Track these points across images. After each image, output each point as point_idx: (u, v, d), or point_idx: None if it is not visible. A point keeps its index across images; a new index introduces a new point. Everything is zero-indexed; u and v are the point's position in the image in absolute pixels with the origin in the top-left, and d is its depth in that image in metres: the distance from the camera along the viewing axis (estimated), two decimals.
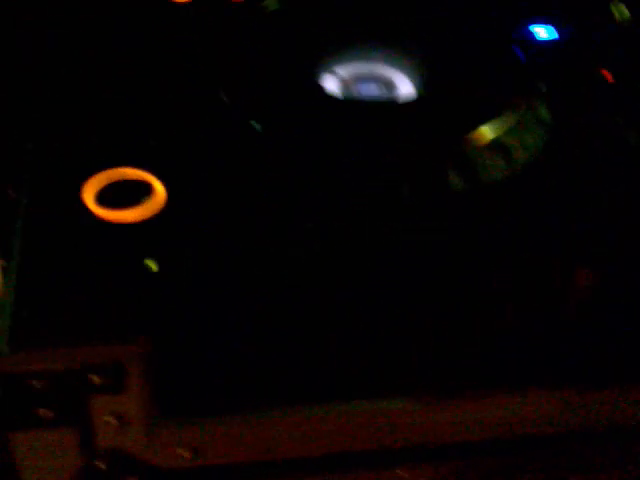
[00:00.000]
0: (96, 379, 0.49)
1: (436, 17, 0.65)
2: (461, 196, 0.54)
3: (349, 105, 0.60)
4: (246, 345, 0.51)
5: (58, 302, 0.49)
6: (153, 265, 0.51)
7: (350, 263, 0.52)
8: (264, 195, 0.55)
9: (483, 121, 0.56)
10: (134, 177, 0.56)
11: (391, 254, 0.52)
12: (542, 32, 0.67)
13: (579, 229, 0.53)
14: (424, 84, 0.61)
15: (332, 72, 0.63)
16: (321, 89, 0.61)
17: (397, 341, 0.51)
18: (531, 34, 0.67)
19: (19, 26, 0.70)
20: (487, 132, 0.56)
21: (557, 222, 0.54)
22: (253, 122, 0.58)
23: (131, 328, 0.49)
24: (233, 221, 0.54)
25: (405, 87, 0.63)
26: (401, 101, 0.60)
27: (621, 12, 0.68)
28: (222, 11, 0.71)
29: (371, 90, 0.63)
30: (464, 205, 0.54)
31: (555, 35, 0.67)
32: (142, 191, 0.55)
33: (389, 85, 0.63)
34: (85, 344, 0.48)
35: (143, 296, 0.50)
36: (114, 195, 0.55)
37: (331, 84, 0.62)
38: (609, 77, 0.63)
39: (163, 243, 0.52)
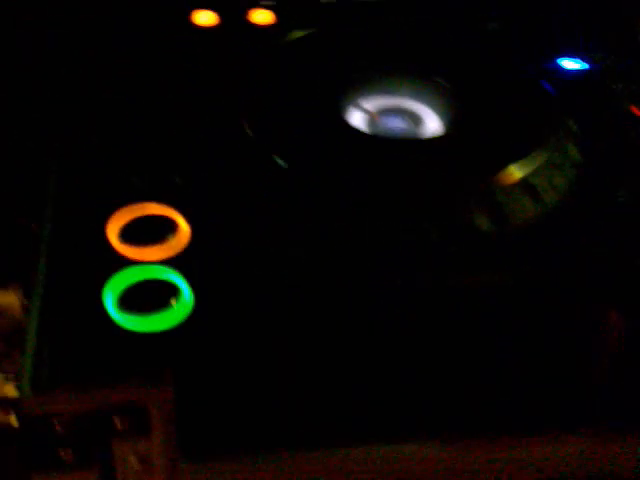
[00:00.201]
0: (119, 421, 0.48)
1: (464, 51, 0.64)
2: (489, 238, 0.53)
3: (374, 142, 0.59)
4: (270, 388, 0.50)
5: (81, 343, 0.49)
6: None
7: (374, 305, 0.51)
8: (287, 232, 0.55)
9: (511, 160, 0.55)
10: (158, 213, 0.56)
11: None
12: (571, 66, 0.66)
13: (610, 272, 0.53)
14: (451, 121, 0.60)
15: (358, 105, 0.62)
16: (346, 124, 0.60)
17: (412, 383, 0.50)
18: (560, 68, 0.66)
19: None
20: (515, 172, 0.55)
21: (587, 265, 0.53)
22: (276, 158, 0.57)
23: (155, 370, 0.48)
24: (259, 259, 0.53)
25: (432, 122, 0.62)
26: (428, 138, 0.59)
27: None
28: (247, 37, 0.71)
29: (397, 124, 0.62)
30: (492, 248, 0.53)
31: (584, 69, 0.66)
32: (166, 228, 0.55)
33: (416, 119, 0.62)
34: (108, 386, 0.48)
35: (166, 338, 0.49)
36: (138, 232, 0.54)
37: (357, 118, 0.62)
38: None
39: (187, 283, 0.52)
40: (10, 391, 0.57)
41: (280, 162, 0.57)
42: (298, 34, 0.67)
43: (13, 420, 0.55)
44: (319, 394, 0.50)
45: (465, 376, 0.50)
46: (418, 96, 0.63)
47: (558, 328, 0.51)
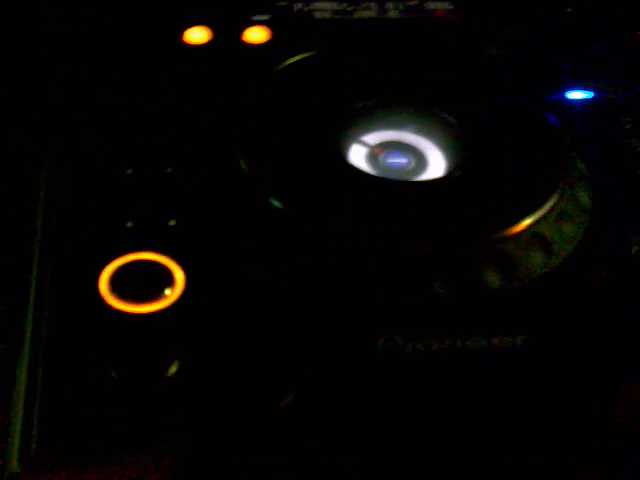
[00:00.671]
0: None
1: (468, 84, 0.62)
2: (498, 294, 0.51)
3: (374, 184, 0.56)
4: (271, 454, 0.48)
5: (72, 414, 0.46)
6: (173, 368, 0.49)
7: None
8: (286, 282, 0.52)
9: (520, 210, 0.53)
10: (152, 261, 0.53)
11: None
12: (577, 97, 0.64)
13: (628, 332, 0.50)
14: (455, 160, 0.58)
15: (359, 139, 0.60)
16: (347, 163, 0.57)
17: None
18: (566, 100, 0.64)
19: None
20: (524, 222, 0.53)
21: (604, 324, 0.51)
22: (272, 199, 0.54)
23: (151, 440, 0.46)
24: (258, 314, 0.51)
25: (435, 158, 0.59)
26: (431, 182, 0.57)
27: None
28: (240, 57, 0.68)
29: (400, 161, 0.59)
30: (503, 304, 0.51)
31: (590, 99, 0.64)
32: (162, 277, 0.52)
33: (419, 155, 0.60)
34: (101, 459, 0.45)
35: (162, 405, 0.47)
36: (131, 284, 0.52)
37: (357, 153, 0.59)
38: None
39: (180, 340, 0.50)
40: None
41: (275, 203, 0.54)
42: (295, 59, 0.64)
43: None
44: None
45: (466, 443, 0.49)
46: (422, 131, 0.60)
47: (573, 396, 0.49)
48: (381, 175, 0.58)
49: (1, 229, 0.58)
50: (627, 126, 0.61)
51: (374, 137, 0.61)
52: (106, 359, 0.48)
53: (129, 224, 0.55)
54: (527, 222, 0.52)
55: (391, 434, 0.49)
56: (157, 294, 0.52)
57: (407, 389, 0.49)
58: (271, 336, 0.50)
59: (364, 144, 0.60)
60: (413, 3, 0.72)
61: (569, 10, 0.70)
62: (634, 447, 0.49)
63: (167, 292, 0.52)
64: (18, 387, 0.47)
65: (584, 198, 0.56)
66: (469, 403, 0.49)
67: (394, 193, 0.55)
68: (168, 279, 0.52)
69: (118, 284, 0.51)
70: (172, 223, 0.55)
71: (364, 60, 0.63)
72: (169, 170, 0.59)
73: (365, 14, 0.72)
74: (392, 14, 0.72)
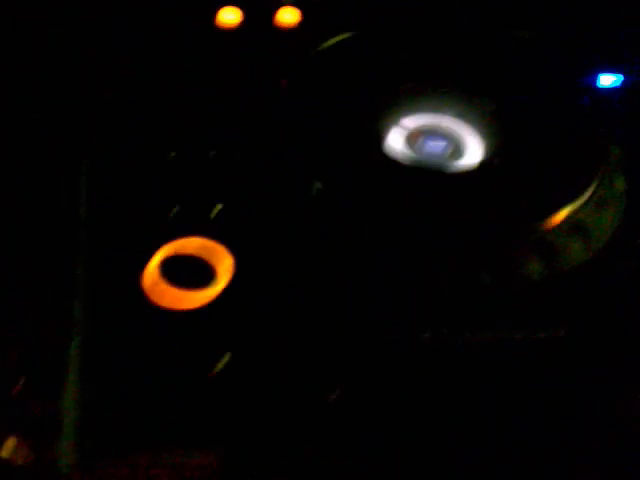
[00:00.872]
0: None
1: (508, 70, 0.62)
2: (541, 284, 0.52)
3: (413, 174, 0.57)
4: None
5: (123, 416, 0.47)
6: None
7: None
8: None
9: (560, 198, 0.54)
10: (198, 254, 0.54)
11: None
12: (609, 81, 0.64)
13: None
14: (493, 147, 0.58)
15: (398, 124, 0.60)
16: (384, 154, 0.57)
17: None
18: (599, 84, 0.64)
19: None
20: (564, 210, 0.53)
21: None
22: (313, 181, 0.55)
23: (201, 442, 0.47)
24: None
25: (473, 144, 0.60)
26: (470, 171, 0.57)
27: None
28: (273, 40, 0.68)
29: (438, 147, 0.60)
30: (546, 295, 0.51)
31: (622, 83, 0.64)
32: (207, 270, 0.53)
33: (457, 142, 0.60)
34: (154, 463, 0.46)
35: (213, 404, 0.48)
36: (178, 274, 0.52)
37: (396, 137, 0.60)
38: None
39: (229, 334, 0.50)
40: None
41: (314, 187, 0.55)
42: (332, 41, 0.64)
43: None
44: None
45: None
46: (460, 116, 0.60)
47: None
48: (418, 160, 0.58)
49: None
50: None
51: (413, 121, 0.61)
52: (152, 357, 0.49)
53: (174, 210, 0.55)
54: (567, 210, 0.53)
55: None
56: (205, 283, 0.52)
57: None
58: (305, 333, 0.50)
59: (403, 127, 0.60)
60: None
61: None
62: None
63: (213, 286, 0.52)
64: (68, 388, 0.48)
65: (619, 183, 0.56)
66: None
67: (433, 182, 0.56)
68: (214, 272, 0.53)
69: (169, 270, 0.52)
70: (218, 208, 0.55)
71: (402, 42, 0.63)
72: (211, 154, 0.59)
73: None
74: None
